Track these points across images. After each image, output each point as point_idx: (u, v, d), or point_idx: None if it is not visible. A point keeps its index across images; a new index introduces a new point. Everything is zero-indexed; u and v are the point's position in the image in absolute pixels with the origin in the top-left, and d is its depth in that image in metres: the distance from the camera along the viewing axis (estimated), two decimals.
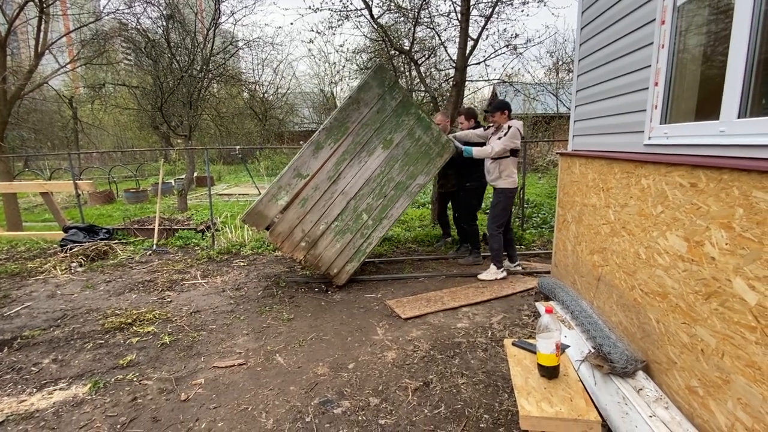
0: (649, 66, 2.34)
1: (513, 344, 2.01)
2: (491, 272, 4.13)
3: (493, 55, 5.97)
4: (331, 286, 4.11)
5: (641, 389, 2.05)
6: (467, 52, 5.52)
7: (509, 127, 3.87)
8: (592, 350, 2.41)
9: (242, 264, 4.97)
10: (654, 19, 2.29)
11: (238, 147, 5.66)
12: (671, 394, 2.01)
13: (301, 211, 3.77)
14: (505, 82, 7.10)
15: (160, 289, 4.18)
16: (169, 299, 3.91)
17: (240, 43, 11.72)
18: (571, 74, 10.78)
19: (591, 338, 2.47)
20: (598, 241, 2.91)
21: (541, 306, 3.25)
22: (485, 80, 6.74)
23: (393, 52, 5.87)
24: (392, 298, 3.73)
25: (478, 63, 6.12)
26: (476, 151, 3.98)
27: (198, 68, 9.44)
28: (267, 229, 3.80)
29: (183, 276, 4.55)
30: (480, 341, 2.90)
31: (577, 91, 3.46)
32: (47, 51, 8.23)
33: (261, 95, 18.43)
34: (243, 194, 11.71)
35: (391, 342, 2.93)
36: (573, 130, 3.53)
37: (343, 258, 3.94)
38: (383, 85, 3.77)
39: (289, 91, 20.57)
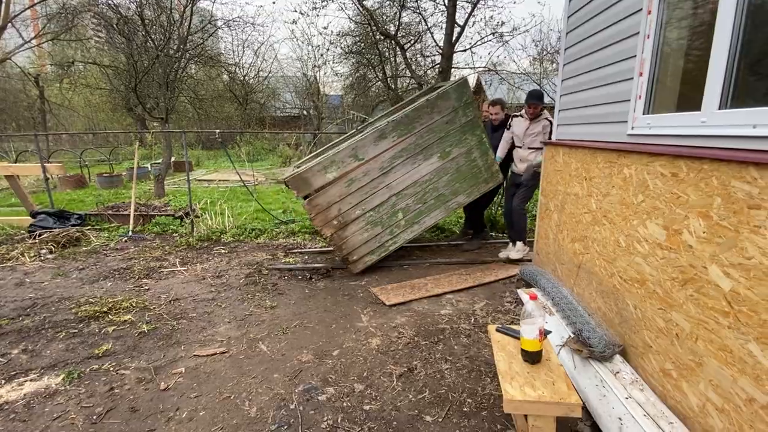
0: (635, 56, 2.36)
1: (497, 330, 2.04)
2: (520, 249, 4.30)
3: (479, 43, 5.93)
4: (316, 273, 4.08)
5: (618, 372, 2.12)
6: (454, 38, 5.46)
7: (550, 123, 3.90)
8: (572, 335, 2.47)
9: (223, 251, 4.87)
10: (641, 9, 2.30)
11: (218, 131, 5.49)
12: (646, 376, 2.09)
13: (345, 190, 3.77)
14: (491, 70, 7.09)
15: (137, 276, 4.05)
16: (146, 287, 3.80)
17: (219, 23, 11.28)
18: (554, 64, 10.86)
19: (571, 324, 2.53)
20: (579, 230, 2.96)
21: (523, 293, 3.31)
22: (471, 68, 6.71)
23: (378, 36, 5.76)
24: (377, 286, 3.73)
25: (465, 50, 6.07)
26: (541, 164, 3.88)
27: (175, 47, 9.04)
28: (305, 198, 3.79)
29: (161, 263, 4.42)
30: (463, 327, 2.94)
31: (562, 81, 3.47)
32: (9, 24, 7.71)
33: (241, 78, 17.88)
34: (223, 180, 11.42)
35: (376, 329, 2.93)
36: (557, 120, 3.56)
37: (366, 248, 3.99)
38: (460, 100, 3.89)
39: (270, 75, 20.03)
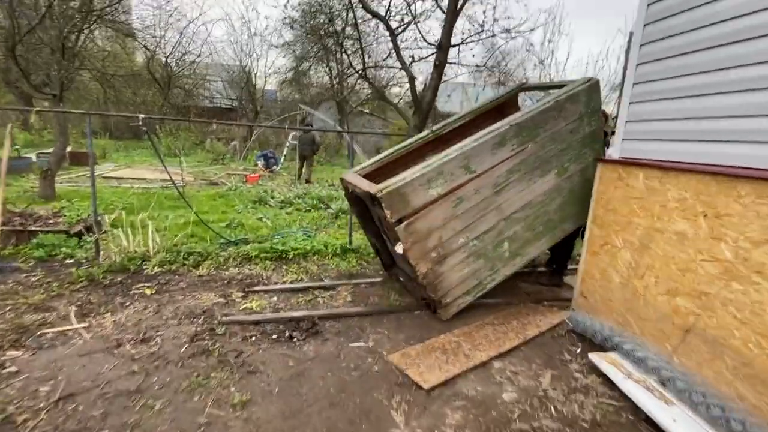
0: None
1: None
2: None
3: (475, 39, 5.17)
4: (297, 328, 2.87)
5: None
6: (452, 26, 4.60)
7: None
8: None
9: (148, 291, 3.37)
10: None
11: (141, 115, 3.94)
12: None
13: (450, 212, 2.87)
14: (481, 67, 6.43)
15: None
16: (12, 368, 2.26)
17: None
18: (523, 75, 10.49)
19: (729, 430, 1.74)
20: (688, 281, 2.22)
21: (602, 361, 2.48)
22: (461, 64, 5.97)
23: (366, 16, 4.68)
24: (391, 349, 2.66)
25: (456, 45, 5.26)
26: None
27: (76, 6, 6.94)
28: (399, 221, 2.74)
29: (43, 316, 2.83)
30: (549, 426, 2.01)
31: (633, 85, 2.77)
32: None
33: (164, 58, 15.32)
34: (140, 179, 9.27)
35: None
36: (623, 133, 2.85)
37: (463, 288, 3.08)
38: (588, 106, 3.25)
39: (199, 59, 17.53)
